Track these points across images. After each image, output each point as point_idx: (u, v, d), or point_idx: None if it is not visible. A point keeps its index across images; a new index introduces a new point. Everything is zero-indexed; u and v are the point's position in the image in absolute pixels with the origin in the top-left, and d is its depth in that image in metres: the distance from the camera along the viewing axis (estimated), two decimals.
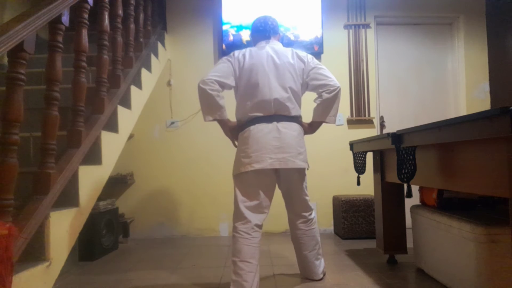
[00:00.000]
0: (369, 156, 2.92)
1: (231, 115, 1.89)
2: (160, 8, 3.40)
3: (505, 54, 3.36)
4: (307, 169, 1.93)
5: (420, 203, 2.19)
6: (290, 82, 1.86)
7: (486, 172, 1.20)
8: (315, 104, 1.93)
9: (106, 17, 2.05)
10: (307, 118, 2.01)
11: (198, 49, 3.52)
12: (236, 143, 1.95)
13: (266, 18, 2.03)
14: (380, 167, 2.31)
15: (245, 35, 3.42)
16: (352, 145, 2.56)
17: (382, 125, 3.41)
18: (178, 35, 3.52)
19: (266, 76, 1.84)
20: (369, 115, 3.48)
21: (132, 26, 2.49)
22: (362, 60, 3.51)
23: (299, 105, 1.93)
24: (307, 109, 2.19)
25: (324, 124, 2.13)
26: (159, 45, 3.15)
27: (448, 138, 1.27)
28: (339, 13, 3.55)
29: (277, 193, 1.91)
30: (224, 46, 3.42)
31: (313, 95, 1.93)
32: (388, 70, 3.63)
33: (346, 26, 3.54)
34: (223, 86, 1.84)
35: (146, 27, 2.94)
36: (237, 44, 3.41)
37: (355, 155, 2.56)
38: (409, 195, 1.63)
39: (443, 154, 1.51)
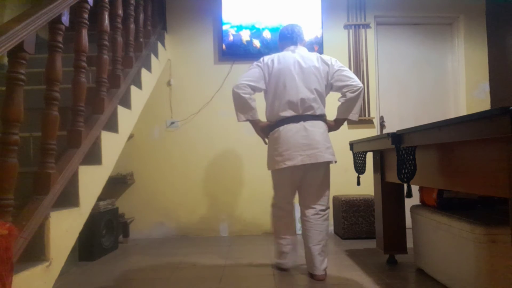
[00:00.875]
0: (369, 156, 2.92)
1: (261, 116, 2.16)
2: (160, 8, 3.40)
3: (505, 54, 3.36)
4: (335, 162, 2.10)
5: (420, 203, 2.19)
6: (315, 84, 2.06)
7: (486, 172, 1.20)
8: (338, 103, 2.12)
9: (106, 17, 2.05)
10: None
11: (198, 49, 3.52)
12: (267, 140, 2.19)
13: (293, 26, 2.22)
14: (380, 167, 2.31)
15: (245, 35, 3.42)
16: (352, 145, 2.56)
17: (382, 125, 3.41)
18: (178, 35, 3.52)
19: (293, 79, 2.05)
20: (369, 115, 3.48)
21: (132, 26, 2.49)
22: (362, 60, 3.51)
23: (324, 105, 2.12)
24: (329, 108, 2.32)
25: None
26: (159, 45, 3.15)
27: (448, 138, 1.27)
28: (339, 13, 3.55)
29: None
30: (224, 46, 3.42)
31: (335, 96, 2.13)
32: (388, 70, 3.63)
33: (346, 26, 3.54)
34: (254, 89, 2.08)
35: (146, 27, 2.93)
36: (237, 44, 3.41)
37: (355, 155, 2.56)
38: (409, 195, 1.63)
39: (443, 154, 1.51)
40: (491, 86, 3.53)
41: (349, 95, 2.04)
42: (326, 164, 2.08)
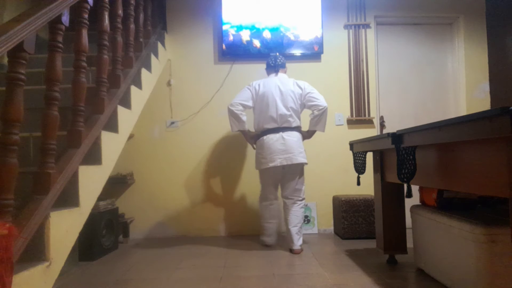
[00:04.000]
0: (369, 156, 2.92)
1: (251, 127, 2.83)
2: (160, 8, 3.40)
3: (505, 54, 3.36)
4: (306, 164, 2.68)
5: (420, 203, 2.19)
6: (291, 104, 2.67)
7: (486, 172, 1.21)
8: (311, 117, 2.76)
9: (106, 17, 2.05)
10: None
11: (198, 49, 3.52)
12: (255, 146, 2.80)
13: (276, 57, 2.84)
14: (380, 167, 2.31)
15: (245, 35, 3.42)
16: (352, 145, 2.56)
17: (382, 125, 3.41)
18: (178, 35, 3.52)
19: (274, 100, 2.66)
20: (369, 115, 3.48)
21: (132, 26, 2.49)
22: (362, 60, 3.51)
23: (299, 118, 2.72)
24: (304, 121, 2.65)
25: None
26: (159, 45, 3.15)
27: (448, 138, 1.27)
28: (339, 13, 3.55)
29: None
30: (224, 46, 3.42)
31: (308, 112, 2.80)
32: (388, 70, 3.63)
33: (346, 26, 3.54)
34: (245, 107, 2.71)
35: (146, 27, 2.93)
36: (237, 44, 3.41)
37: (355, 155, 2.56)
38: (409, 195, 1.63)
39: (443, 154, 1.51)
40: (491, 86, 3.53)
41: (315, 112, 2.67)
42: (300, 165, 2.66)
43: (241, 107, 2.68)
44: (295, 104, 2.66)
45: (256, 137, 2.75)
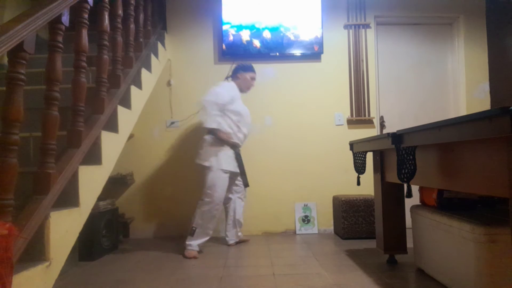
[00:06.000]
0: (369, 156, 2.92)
1: None
2: (160, 8, 3.40)
3: (505, 54, 3.36)
4: (204, 165, 2.73)
5: (420, 203, 2.19)
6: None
7: (486, 172, 1.21)
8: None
9: (106, 17, 2.05)
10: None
11: (198, 49, 3.52)
12: None
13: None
14: (380, 167, 2.31)
15: (245, 35, 3.42)
16: (352, 145, 2.56)
17: (382, 125, 3.41)
18: (178, 35, 3.52)
19: None
20: (369, 115, 3.48)
21: (132, 26, 2.49)
22: (362, 60, 3.51)
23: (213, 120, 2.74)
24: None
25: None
26: (159, 45, 3.15)
27: (448, 138, 1.27)
28: (339, 13, 3.55)
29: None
30: (224, 46, 3.42)
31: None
32: (388, 70, 3.63)
33: (346, 26, 3.54)
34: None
35: (146, 27, 2.93)
36: (237, 44, 3.41)
37: (355, 155, 2.56)
38: (409, 195, 1.63)
39: (443, 154, 1.51)
40: (491, 86, 3.53)
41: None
42: (199, 166, 2.78)
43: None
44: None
45: None
